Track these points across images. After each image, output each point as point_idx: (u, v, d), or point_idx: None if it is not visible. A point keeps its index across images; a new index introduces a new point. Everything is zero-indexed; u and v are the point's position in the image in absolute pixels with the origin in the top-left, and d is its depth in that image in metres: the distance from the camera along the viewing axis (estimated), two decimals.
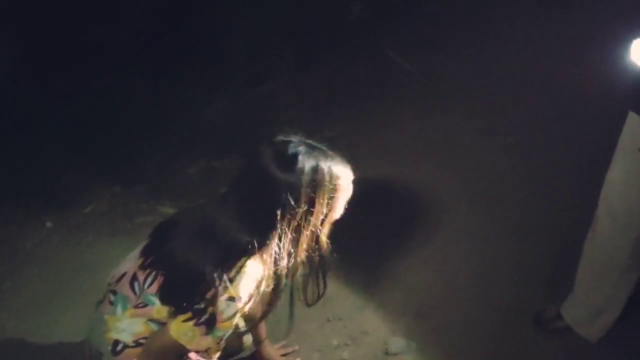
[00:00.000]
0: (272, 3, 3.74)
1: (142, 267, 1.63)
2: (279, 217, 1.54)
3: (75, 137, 3.32)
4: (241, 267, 1.53)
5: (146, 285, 1.61)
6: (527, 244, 2.59)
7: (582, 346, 2.23)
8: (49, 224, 2.94)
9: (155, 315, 1.61)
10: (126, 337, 1.65)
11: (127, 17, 3.65)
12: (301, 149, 1.55)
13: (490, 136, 3.05)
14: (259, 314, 1.99)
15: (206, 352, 1.65)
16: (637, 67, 1.61)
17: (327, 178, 1.55)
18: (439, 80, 3.42)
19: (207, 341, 1.57)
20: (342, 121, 3.29)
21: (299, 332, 2.32)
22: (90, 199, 3.04)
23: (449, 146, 3.06)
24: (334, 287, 2.46)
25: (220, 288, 1.51)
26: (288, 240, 1.58)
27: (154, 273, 1.61)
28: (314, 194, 1.55)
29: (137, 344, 1.64)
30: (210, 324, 1.54)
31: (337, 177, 1.58)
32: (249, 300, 1.57)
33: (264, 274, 1.58)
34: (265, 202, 1.54)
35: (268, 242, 1.57)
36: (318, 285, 1.74)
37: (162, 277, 1.59)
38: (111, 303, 1.67)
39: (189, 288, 1.54)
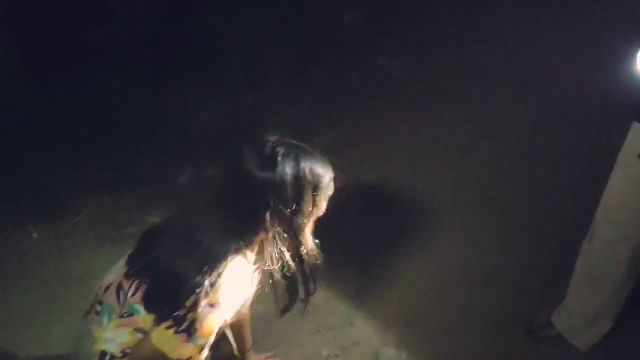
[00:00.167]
0: (270, 6, 3.74)
1: (127, 276, 1.62)
2: (262, 218, 1.53)
3: (63, 146, 3.29)
4: (222, 273, 1.52)
5: (130, 294, 1.60)
6: (519, 252, 2.59)
7: (574, 354, 2.22)
8: (35, 235, 2.91)
9: (142, 325, 1.60)
10: (113, 348, 1.63)
11: (122, 18, 3.64)
12: (280, 148, 1.54)
13: (486, 139, 3.06)
14: (244, 323, 1.98)
15: None
16: None
17: (308, 176, 1.54)
18: (436, 82, 3.42)
19: (189, 349, 1.55)
20: (341, 123, 3.29)
21: (288, 342, 2.31)
22: (78, 209, 3.01)
23: (445, 149, 3.06)
24: (324, 297, 2.45)
25: (201, 294, 1.49)
26: (273, 241, 1.57)
27: (137, 282, 1.59)
28: (295, 192, 1.53)
29: (125, 354, 1.62)
30: (191, 332, 1.52)
31: (318, 175, 1.56)
32: (231, 307, 1.56)
33: (249, 278, 1.57)
34: (247, 204, 1.53)
35: (253, 244, 1.56)
36: (307, 284, 1.71)
37: (146, 286, 1.58)
38: (97, 314, 1.66)
39: (171, 295, 1.53)
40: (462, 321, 2.38)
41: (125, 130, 3.35)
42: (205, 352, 1.62)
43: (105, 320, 1.64)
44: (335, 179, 1.62)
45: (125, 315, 1.61)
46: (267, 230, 1.55)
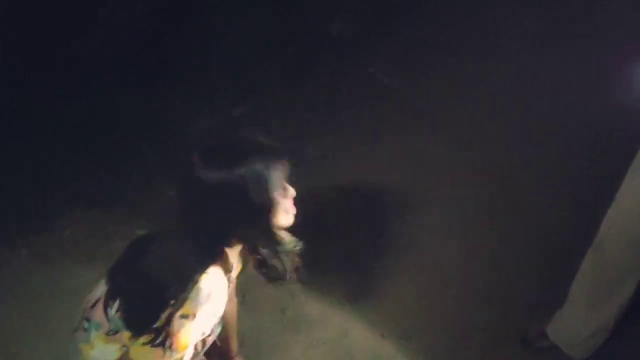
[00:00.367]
0: (257, 19, 3.74)
1: (107, 294, 1.60)
2: (226, 222, 1.51)
3: (51, 158, 3.26)
4: (196, 284, 1.49)
5: (113, 311, 1.58)
6: (512, 263, 2.57)
7: None
8: (24, 250, 2.88)
9: (127, 342, 1.57)
10: None
11: (107, 26, 3.64)
12: (231, 147, 1.52)
13: (480, 148, 3.06)
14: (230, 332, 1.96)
15: None
16: None
17: (264, 172, 1.50)
18: (428, 89, 3.41)
19: None
20: (333, 132, 3.28)
21: (281, 356, 2.29)
22: (67, 223, 2.98)
23: (439, 158, 3.05)
24: (317, 310, 2.45)
25: (174, 307, 1.47)
26: (243, 244, 1.55)
27: (118, 299, 1.57)
28: (253, 189, 1.49)
29: None
30: (166, 345, 1.50)
31: (274, 169, 1.52)
32: (208, 319, 1.54)
33: (225, 288, 1.55)
34: (207, 210, 1.50)
35: (222, 250, 1.54)
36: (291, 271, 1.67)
37: (123, 303, 1.56)
38: (85, 330, 1.64)
39: (144, 310, 1.51)
40: (456, 333, 2.36)
41: (115, 142, 3.33)
42: None
43: (92, 336, 1.61)
44: (286, 164, 1.56)
45: (111, 332, 1.59)
46: (233, 233, 1.53)
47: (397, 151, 3.13)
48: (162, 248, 1.56)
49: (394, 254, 2.68)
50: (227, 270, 1.59)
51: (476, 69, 3.45)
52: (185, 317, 1.49)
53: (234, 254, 1.61)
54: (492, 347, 2.31)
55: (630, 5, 3.48)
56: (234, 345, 2.09)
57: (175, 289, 1.48)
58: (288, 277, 1.66)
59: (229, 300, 1.70)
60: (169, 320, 1.48)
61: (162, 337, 1.49)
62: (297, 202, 1.60)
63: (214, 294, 1.53)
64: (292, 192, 1.58)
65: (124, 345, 1.58)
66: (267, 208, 1.52)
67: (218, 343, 2.02)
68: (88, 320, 1.64)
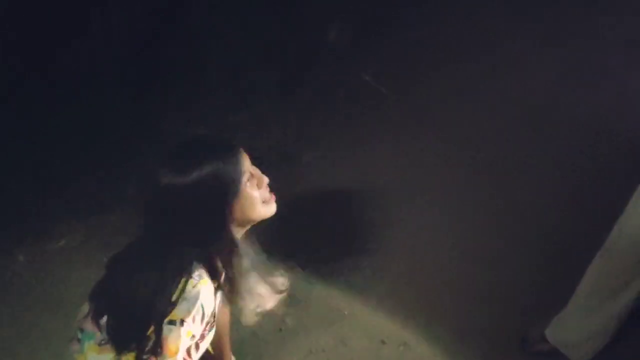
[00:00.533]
0: (253, 27, 3.75)
1: (93, 309, 1.58)
2: (200, 224, 1.48)
3: (48, 165, 3.26)
4: (183, 289, 1.48)
5: (104, 321, 1.55)
6: (510, 267, 2.57)
7: None
8: (20, 258, 2.87)
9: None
10: None
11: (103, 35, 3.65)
12: (191, 148, 1.50)
13: (469, 157, 3.06)
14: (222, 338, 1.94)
15: None
16: None
17: (228, 168, 1.47)
18: (423, 98, 3.42)
19: None
20: (328, 141, 3.28)
21: None
22: (63, 231, 2.97)
23: (435, 166, 3.05)
24: (315, 318, 2.44)
25: (158, 319, 1.46)
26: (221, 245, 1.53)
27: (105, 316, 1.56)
28: (221, 186, 1.47)
29: None
30: (157, 352, 1.48)
31: (238, 163, 1.50)
32: (197, 323, 1.52)
33: (211, 288, 1.53)
34: (179, 215, 1.48)
35: (204, 252, 1.52)
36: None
37: (109, 322, 1.54)
38: (78, 341, 1.61)
39: (131, 328, 1.49)
40: (455, 338, 2.36)
41: (111, 150, 3.33)
42: None
43: (85, 347, 1.59)
44: (242, 156, 1.53)
45: (103, 342, 1.56)
46: (210, 234, 1.51)
47: (396, 153, 3.14)
48: (137, 262, 1.54)
49: (391, 260, 2.67)
50: (213, 274, 1.57)
51: (473, 73, 3.46)
52: (172, 323, 1.48)
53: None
54: (492, 351, 2.30)
55: (630, 6, 3.50)
56: (228, 352, 2.07)
57: (155, 303, 1.46)
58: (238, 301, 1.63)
59: (222, 306, 1.68)
60: (155, 330, 1.46)
61: (151, 346, 1.48)
62: (275, 191, 1.57)
63: (199, 297, 1.51)
64: (264, 180, 1.56)
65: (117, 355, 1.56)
66: (224, 211, 1.49)
67: (211, 351, 2.01)
68: (82, 330, 1.61)
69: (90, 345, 1.58)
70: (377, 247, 2.72)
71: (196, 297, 1.50)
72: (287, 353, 2.32)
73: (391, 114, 3.40)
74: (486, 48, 3.58)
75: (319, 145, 3.29)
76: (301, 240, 2.77)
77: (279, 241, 2.75)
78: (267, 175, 1.57)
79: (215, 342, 1.98)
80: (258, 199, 1.54)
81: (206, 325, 1.59)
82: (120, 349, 1.52)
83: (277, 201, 1.58)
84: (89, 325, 1.59)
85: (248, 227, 1.60)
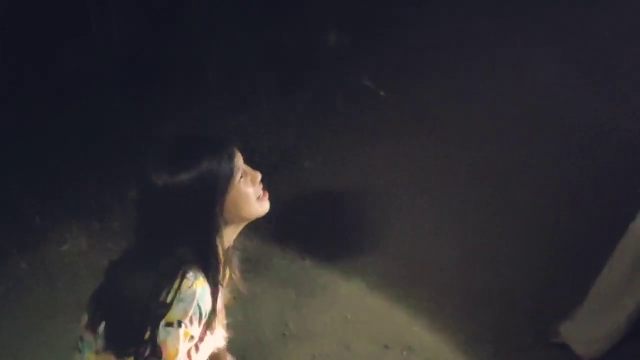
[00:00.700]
0: (253, 27, 3.75)
1: (90, 316, 1.57)
2: (194, 223, 1.48)
3: (50, 170, 3.25)
4: (178, 290, 1.47)
5: (101, 329, 1.55)
6: (511, 268, 2.57)
7: None
8: (23, 265, 2.86)
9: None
10: None
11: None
12: (183, 148, 1.50)
13: (468, 159, 3.06)
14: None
15: None
16: None
17: (221, 166, 1.47)
18: (423, 101, 3.43)
19: None
20: (329, 145, 3.28)
21: None
22: (66, 237, 2.96)
23: (435, 169, 3.05)
24: (320, 322, 2.43)
25: (154, 322, 1.45)
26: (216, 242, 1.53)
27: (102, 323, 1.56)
28: (214, 185, 1.47)
29: None
30: (157, 355, 1.47)
31: (232, 160, 1.49)
32: (194, 322, 1.50)
33: (207, 287, 1.52)
34: (172, 215, 1.47)
35: (200, 252, 1.51)
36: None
37: (106, 328, 1.54)
38: (79, 350, 1.61)
39: (129, 333, 1.48)
40: (459, 343, 2.36)
41: (111, 150, 3.32)
42: None
43: (85, 355, 1.59)
44: (234, 153, 1.53)
45: (102, 349, 1.55)
46: (202, 233, 1.50)
47: (397, 154, 3.15)
48: (133, 265, 1.54)
49: (395, 264, 2.67)
50: (210, 274, 1.55)
51: (473, 73, 3.48)
52: (170, 324, 1.47)
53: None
54: (496, 355, 2.31)
55: (630, 6, 3.50)
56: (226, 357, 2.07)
57: (150, 304, 1.46)
58: None
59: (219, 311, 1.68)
60: (152, 336, 1.46)
61: (150, 350, 1.47)
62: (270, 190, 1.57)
63: (195, 297, 1.50)
64: (258, 176, 1.55)
65: None
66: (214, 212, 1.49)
67: None
68: (82, 339, 1.61)
69: (89, 355, 1.58)
70: (379, 249, 2.72)
71: (192, 298, 1.49)
72: (291, 358, 2.32)
73: (391, 114, 3.41)
74: (486, 48, 3.59)
75: (318, 146, 3.30)
76: (301, 242, 2.77)
77: (279, 243, 2.78)
78: (262, 173, 1.57)
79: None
80: (252, 196, 1.54)
81: (205, 327, 1.58)
82: (119, 354, 1.52)
83: (270, 199, 1.57)
84: (89, 334, 1.59)
85: (242, 226, 1.60)
